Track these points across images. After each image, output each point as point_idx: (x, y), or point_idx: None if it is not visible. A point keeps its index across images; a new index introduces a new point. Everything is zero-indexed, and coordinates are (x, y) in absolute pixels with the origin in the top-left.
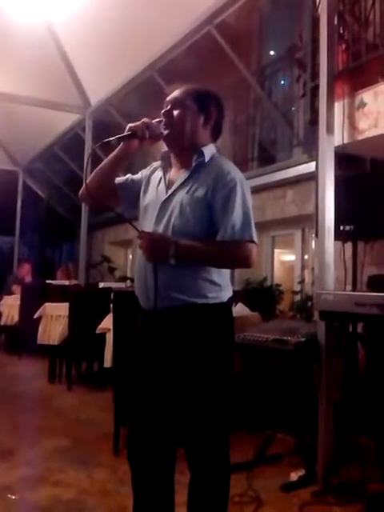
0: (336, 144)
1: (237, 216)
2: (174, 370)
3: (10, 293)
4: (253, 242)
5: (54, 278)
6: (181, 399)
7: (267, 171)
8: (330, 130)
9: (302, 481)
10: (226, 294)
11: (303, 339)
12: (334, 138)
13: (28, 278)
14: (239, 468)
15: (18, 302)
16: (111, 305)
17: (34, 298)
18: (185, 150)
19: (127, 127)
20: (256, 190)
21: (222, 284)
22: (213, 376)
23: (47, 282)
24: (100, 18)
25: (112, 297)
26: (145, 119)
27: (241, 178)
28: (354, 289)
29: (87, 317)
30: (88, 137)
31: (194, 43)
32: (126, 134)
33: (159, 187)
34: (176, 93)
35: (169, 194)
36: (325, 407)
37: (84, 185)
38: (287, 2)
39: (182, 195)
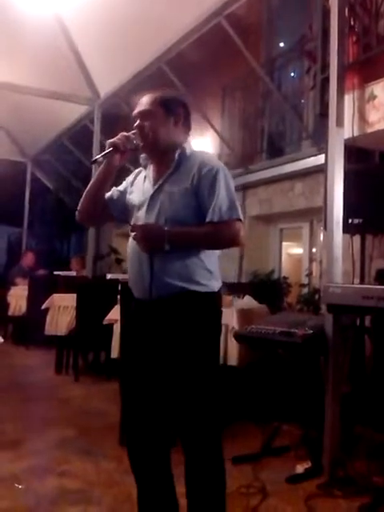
0: (346, 136)
1: (222, 198)
2: (167, 357)
3: (14, 284)
4: (240, 220)
5: (65, 269)
6: (174, 385)
7: (276, 164)
8: (339, 122)
9: (307, 473)
10: (217, 283)
11: (311, 332)
12: (343, 130)
13: (31, 267)
14: (245, 459)
15: (26, 293)
16: (118, 296)
17: (41, 289)
18: (163, 151)
19: (107, 143)
20: (264, 183)
21: (213, 271)
22: (204, 364)
23: (55, 273)
24: (109, 9)
25: (119, 288)
26: (123, 133)
27: (222, 166)
28: (362, 282)
29: (94, 308)
30: (96, 128)
31: (204, 35)
32: (108, 150)
33: (145, 185)
34: (142, 104)
35: (156, 187)
36: (331, 400)
37: (77, 210)
38: None
39: (168, 187)
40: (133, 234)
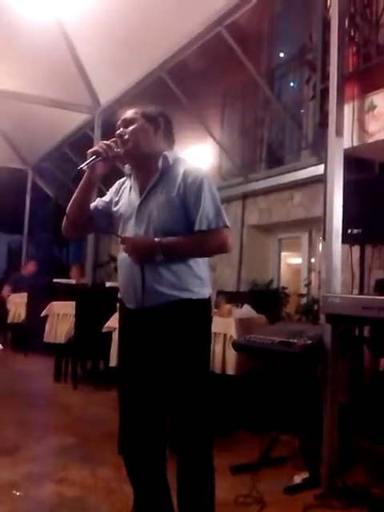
0: (345, 146)
1: (209, 207)
2: (160, 364)
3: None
4: (227, 226)
5: (64, 277)
6: (167, 392)
7: (275, 173)
8: (339, 132)
9: (305, 483)
10: (208, 289)
11: (309, 342)
12: (343, 140)
13: (32, 275)
14: (244, 469)
15: (25, 300)
16: (117, 304)
17: (41, 297)
18: (145, 160)
19: (89, 153)
20: (263, 192)
21: (203, 278)
22: (196, 370)
23: (54, 280)
24: (111, 18)
25: (118, 296)
26: (103, 141)
27: (205, 174)
28: (361, 292)
29: (93, 316)
30: (97, 136)
31: (204, 44)
32: (91, 158)
33: (131, 195)
34: (124, 114)
35: (142, 198)
36: (330, 410)
37: (65, 217)
38: (298, 4)
39: (156, 197)
40: (123, 246)
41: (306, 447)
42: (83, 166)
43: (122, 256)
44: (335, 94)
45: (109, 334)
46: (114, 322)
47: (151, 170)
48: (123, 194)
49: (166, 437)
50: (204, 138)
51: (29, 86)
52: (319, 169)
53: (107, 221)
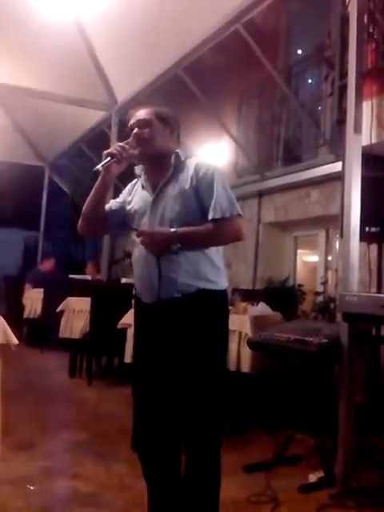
0: (363, 143)
1: (221, 196)
2: (178, 358)
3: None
4: (240, 215)
5: (80, 273)
6: (182, 385)
7: (292, 170)
8: (357, 129)
9: (320, 483)
10: (225, 279)
11: (325, 340)
12: (361, 137)
13: (51, 272)
14: (258, 467)
15: (42, 296)
16: (132, 300)
17: (57, 292)
18: (159, 159)
19: (104, 154)
20: (280, 189)
21: (220, 267)
22: (213, 363)
23: (70, 276)
24: (128, 15)
25: (133, 292)
26: (118, 143)
27: (217, 167)
28: (379, 291)
29: (109, 312)
30: (113, 133)
31: (221, 41)
32: (107, 159)
33: (144, 193)
34: (139, 115)
35: (156, 193)
36: (345, 409)
37: (81, 217)
38: (316, 1)
39: (169, 191)
40: (139, 239)
41: (321, 446)
42: (99, 167)
43: (137, 252)
44: (354, 91)
45: (124, 330)
46: (129, 318)
47: (164, 167)
48: (136, 193)
49: (180, 433)
50: (220, 135)
51: (46, 84)
52: (337, 166)
53: (121, 221)
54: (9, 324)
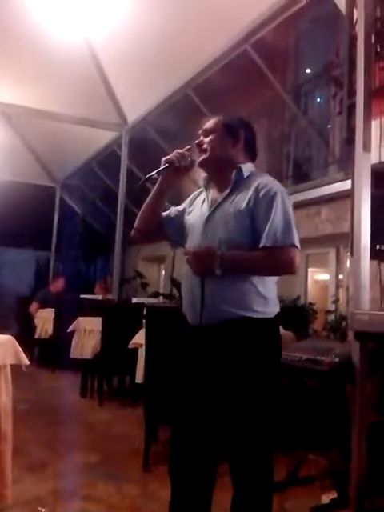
0: (372, 162)
1: (278, 222)
2: (220, 385)
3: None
4: (295, 246)
5: (90, 293)
6: (226, 415)
7: (302, 189)
8: (366, 147)
9: (333, 504)
10: (273, 309)
11: (337, 359)
12: (370, 155)
13: (60, 292)
14: None
15: (53, 316)
16: (144, 320)
17: (68, 312)
18: (222, 171)
19: (162, 160)
20: None
21: (268, 297)
22: (259, 392)
23: (81, 296)
24: (138, 36)
25: (145, 312)
26: (177, 150)
27: (281, 189)
28: None
29: (120, 332)
30: (124, 154)
31: (230, 61)
32: (163, 166)
33: (203, 206)
34: (207, 123)
35: (212, 209)
36: (358, 429)
37: (134, 227)
38: (324, 20)
39: (225, 209)
40: (186, 257)
41: (335, 467)
42: (153, 173)
43: (185, 268)
44: (362, 109)
45: (135, 350)
46: (140, 338)
47: (225, 182)
48: (196, 205)
49: (216, 464)
50: None
51: (58, 105)
52: (346, 184)
53: (177, 230)
54: (20, 344)
